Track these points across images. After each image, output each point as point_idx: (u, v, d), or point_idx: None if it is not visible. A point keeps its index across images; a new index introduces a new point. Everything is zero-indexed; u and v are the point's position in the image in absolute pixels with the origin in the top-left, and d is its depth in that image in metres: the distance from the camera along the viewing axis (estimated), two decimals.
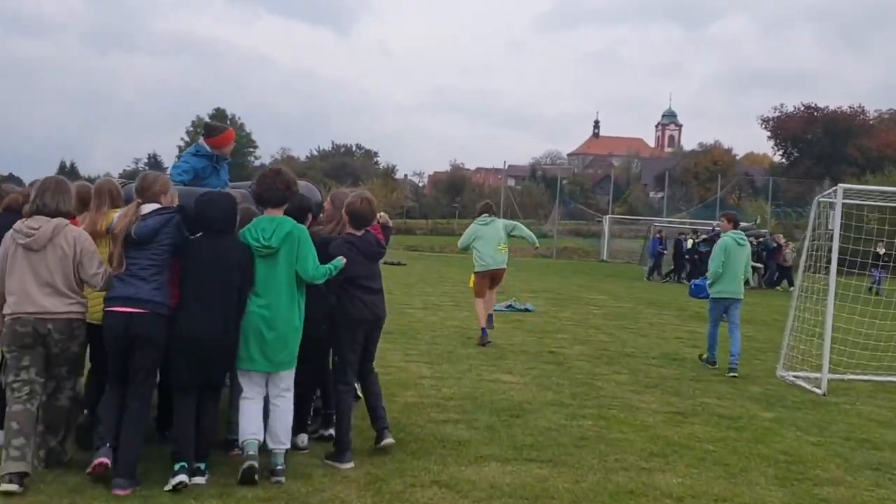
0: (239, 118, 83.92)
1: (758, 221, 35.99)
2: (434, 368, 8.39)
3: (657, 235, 29.36)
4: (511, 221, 11.16)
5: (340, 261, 4.90)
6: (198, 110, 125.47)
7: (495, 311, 11.06)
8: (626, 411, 6.90)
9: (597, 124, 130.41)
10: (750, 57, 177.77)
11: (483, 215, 10.31)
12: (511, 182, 78.88)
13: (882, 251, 21.78)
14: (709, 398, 7.66)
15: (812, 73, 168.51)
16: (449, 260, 33.42)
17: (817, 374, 8.46)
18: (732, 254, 9.09)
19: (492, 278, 10.19)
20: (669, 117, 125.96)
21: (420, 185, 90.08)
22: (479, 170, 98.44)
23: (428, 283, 19.96)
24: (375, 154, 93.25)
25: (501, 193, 47.71)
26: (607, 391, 7.73)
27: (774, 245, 25.58)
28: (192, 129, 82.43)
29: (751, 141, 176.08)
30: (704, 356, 9.45)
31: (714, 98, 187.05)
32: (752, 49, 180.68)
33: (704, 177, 61.78)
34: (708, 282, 9.42)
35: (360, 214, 5.19)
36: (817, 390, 8.16)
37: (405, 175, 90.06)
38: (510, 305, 14.56)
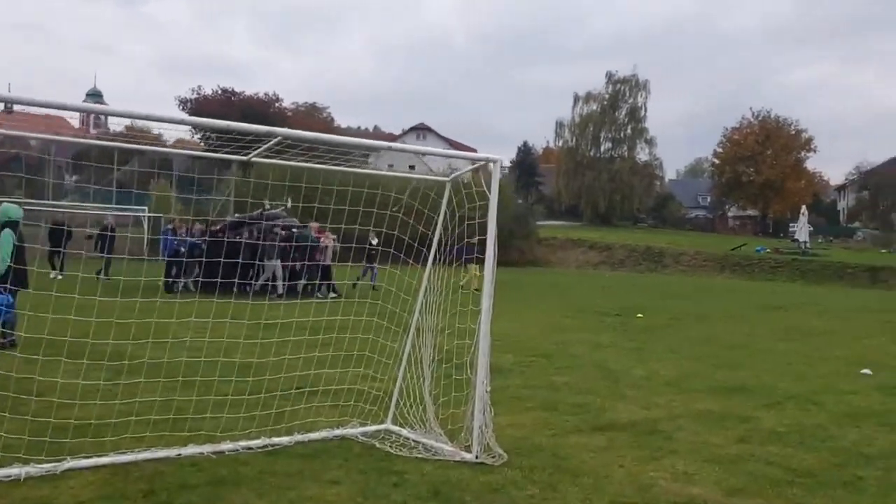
0: None
1: (289, 206, 22.21)
2: None
3: (168, 227, 20.72)
4: None
5: None
6: None
7: None
8: None
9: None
10: (182, 41, 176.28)
11: None
12: None
13: (375, 241, 16.64)
14: None
15: (244, 63, 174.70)
16: None
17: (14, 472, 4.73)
18: None
19: None
20: (95, 97, 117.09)
21: None
22: None
23: None
24: None
25: None
26: None
27: (316, 240, 18.58)
28: None
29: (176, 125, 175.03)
30: None
31: (144, 80, 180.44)
32: (186, 34, 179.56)
33: (121, 160, 56.93)
34: None
35: None
36: None
37: None
38: None
